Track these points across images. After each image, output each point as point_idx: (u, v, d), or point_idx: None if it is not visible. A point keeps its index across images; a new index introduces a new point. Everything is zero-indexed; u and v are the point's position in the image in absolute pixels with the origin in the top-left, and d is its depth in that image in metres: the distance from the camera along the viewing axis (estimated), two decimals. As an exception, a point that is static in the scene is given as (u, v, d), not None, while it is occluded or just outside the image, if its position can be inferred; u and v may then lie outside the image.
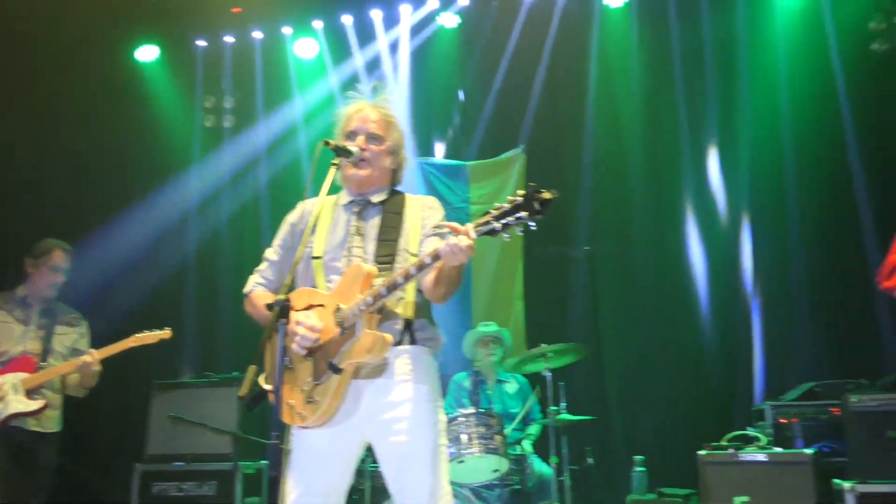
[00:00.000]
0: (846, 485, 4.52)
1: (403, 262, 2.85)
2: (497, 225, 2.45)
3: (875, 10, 6.40)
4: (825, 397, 5.29)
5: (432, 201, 3.10)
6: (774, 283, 6.54)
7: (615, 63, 7.14)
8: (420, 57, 7.51)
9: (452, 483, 4.74)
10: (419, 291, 2.89)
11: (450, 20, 7.28)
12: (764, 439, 5.09)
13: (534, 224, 2.43)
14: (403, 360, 2.83)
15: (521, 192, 2.43)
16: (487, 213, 2.48)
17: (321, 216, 2.97)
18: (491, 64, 7.33)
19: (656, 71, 7.05)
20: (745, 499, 4.69)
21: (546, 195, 2.41)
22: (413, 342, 2.87)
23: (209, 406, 5.72)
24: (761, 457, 4.88)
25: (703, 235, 6.79)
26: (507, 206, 2.44)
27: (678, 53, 6.97)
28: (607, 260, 6.93)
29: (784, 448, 5.00)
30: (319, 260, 2.92)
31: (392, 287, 2.64)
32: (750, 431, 5.23)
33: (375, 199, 3.05)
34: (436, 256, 2.57)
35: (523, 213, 2.41)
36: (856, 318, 6.16)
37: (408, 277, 2.64)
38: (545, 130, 7.24)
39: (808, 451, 4.84)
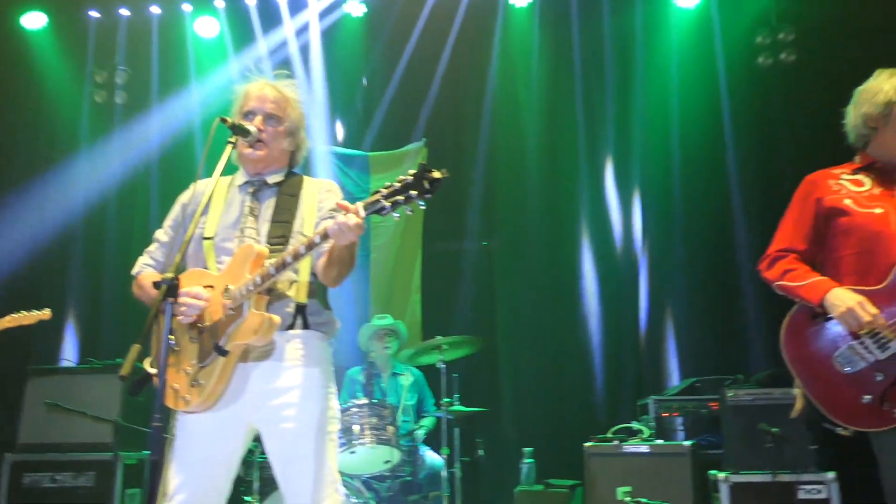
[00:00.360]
0: (721, 475, 4.72)
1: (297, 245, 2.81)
2: (386, 203, 2.42)
3: (762, 25, 6.70)
4: (705, 392, 5.52)
5: (331, 185, 3.05)
6: (661, 283, 6.77)
7: (517, 61, 7.21)
8: (325, 44, 7.37)
9: (343, 474, 4.70)
10: (313, 275, 2.83)
11: (356, 8, 7.18)
12: (647, 432, 5.27)
13: (423, 203, 2.42)
14: (295, 345, 2.77)
15: (412, 171, 2.42)
16: (378, 191, 2.45)
17: (214, 196, 2.87)
18: (394, 55, 7.27)
19: (556, 71, 7.16)
20: (628, 489, 4.84)
21: (436, 174, 2.40)
22: (306, 326, 2.80)
23: (90, 393, 5.43)
24: (643, 448, 5.04)
25: (596, 234, 6.95)
26: (396, 185, 2.42)
27: (578, 55, 7.09)
28: (504, 255, 7.01)
29: (665, 440, 5.19)
30: (211, 241, 2.83)
31: (281, 266, 2.58)
32: (634, 425, 5.40)
33: (272, 180, 2.97)
34: (325, 235, 2.52)
35: (413, 192, 2.39)
36: (736, 316, 6.46)
37: (297, 256, 2.58)
38: (446, 124, 7.26)
39: (687, 443, 5.04)
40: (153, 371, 2.59)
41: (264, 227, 2.85)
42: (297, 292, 2.80)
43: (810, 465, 4.64)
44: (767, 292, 5.87)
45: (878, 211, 2.87)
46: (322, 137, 7.20)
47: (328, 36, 7.37)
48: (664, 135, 6.89)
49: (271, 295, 2.72)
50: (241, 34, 7.34)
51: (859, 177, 2.99)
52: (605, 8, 7.09)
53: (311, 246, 2.56)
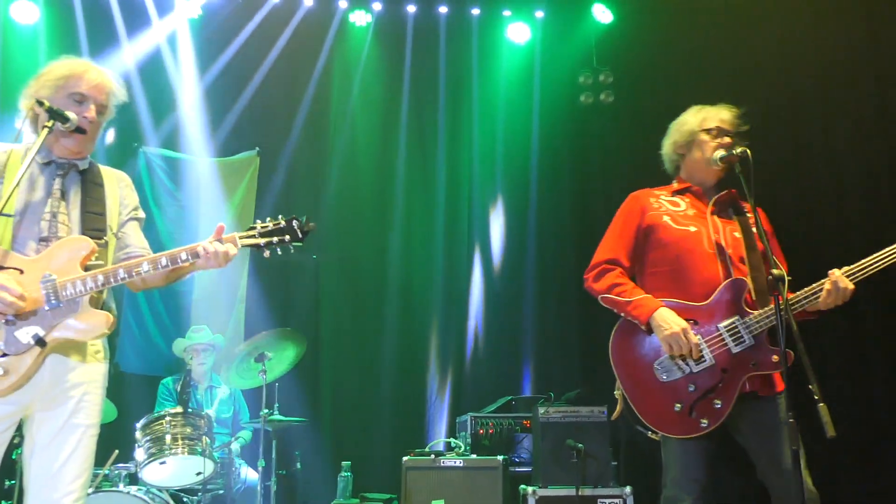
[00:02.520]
0: (529, 489, 4.88)
1: (110, 240, 2.73)
2: (261, 241, 2.54)
3: (584, 66, 7.11)
4: (520, 409, 5.70)
5: (125, 177, 2.95)
6: (487, 303, 6.98)
7: (353, 78, 7.21)
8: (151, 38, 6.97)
9: (150, 486, 4.50)
10: None
11: (190, 9, 6.89)
12: (463, 447, 5.38)
13: (293, 249, 2.58)
14: (93, 342, 2.67)
15: (286, 218, 2.57)
16: (253, 227, 2.56)
17: (13, 170, 2.64)
18: (231, 62, 7.06)
19: (391, 92, 7.23)
20: (441, 501, 4.91)
21: (311, 226, 2.58)
22: None
23: None
24: (458, 462, 5.12)
25: (424, 253, 7.04)
26: (271, 226, 2.54)
27: (411, 77, 7.22)
28: (332, 268, 6.97)
29: (479, 455, 5.31)
30: (10, 218, 2.61)
31: (131, 273, 2.54)
32: (451, 440, 5.50)
33: (81, 166, 2.80)
34: (194, 254, 2.52)
35: (287, 237, 2.53)
36: (558, 340, 6.78)
37: (156, 267, 2.55)
38: (280, 134, 7.11)
39: (499, 457, 5.17)
40: None
41: (75, 215, 2.70)
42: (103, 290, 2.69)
43: (610, 479, 4.89)
44: (579, 317, 6.19)
45: (692, 229, 3.08)
46: (150, 139, 6.85)
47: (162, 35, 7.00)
48: (491, 160, 7.16)
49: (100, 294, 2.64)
50: (65, 24, 6.82)
51: (676, 198, 3.22)
52: (441, 36, 7.25)
53: (174, 261, 2.55)
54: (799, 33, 6.17)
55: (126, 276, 2.53)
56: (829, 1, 6.08)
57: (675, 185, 3.27)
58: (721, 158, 3.07)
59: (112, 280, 2.53)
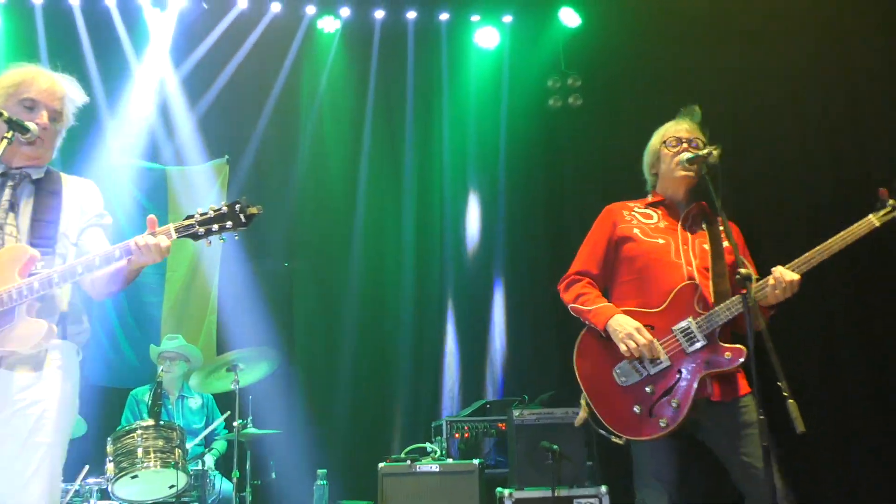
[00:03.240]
0: (506, 492, 4.88)
1: (63, 248, 2.65)
2: (200, 230, 2.45)
3: (552, 70, 7.13)
4: (495, 413, 5.70)
5: (91, 185, 2.89)
6: (461, 311, 6.98)
7: (323, 86, 7.17)
8: (118, 48, 6.90)
9: (122, 500, 4.43)
10: (76, 282, 2.66)
11: (157, 16, 6.81)
12: (439, 451, 5.36)
13: (236, 235, 2.49)
14: (54, 355, 2.59)
15: (228, 202, 2.48)
16: (191, 216, 2.46)
17: None
18: (196, 69, 6.99)
19: (359, 98, 7.21)
20: (419, 506, 4.89)
21: (253, 210, 2.48)
22: (64, 336, 2.64)
23: None
24: (434, 467, 5.10)
25: (399, 262, 7.02)
26: (211, 213, 2.45)
27: (378, 83, 7.21)
28: (305, 276, 6.93)
29: (455, 459, 5.30)
30: None
31: (68, 276, 2.46)
32: (427, 445, 5.48)
33: (35, 175, 2.75)
34: (126, 251, 2.44)
35: (228, 223, 2.45)
36: (532, 342, 6.80)
37: (90, 268, 2.46)
38: (248, 141, 7.04)
39: (476, 461, 5.17)
40: None
41: (24, 224, 2.64)
42: (62, 299, 2.63)
43: (585, 480, 4.91)
44: (553, 320, 6.22)
45: (661, 241, 3.14)
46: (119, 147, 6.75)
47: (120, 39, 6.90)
48: (461, 165, 7.18)
49: (42, 302, 2.54)
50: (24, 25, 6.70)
51: (649, 211, 3.28)
52: (409, 41, 7.23)
53: (109, 259, 2.47)
54: (765, 35, 6.24)
55: (61, 279, 2.46)
56: (795, 6, 6.14)
57: (650, 199, 3.34)
58: (689, 160, 3.10)
59: (48, 285, 2.45)
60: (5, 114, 2.58)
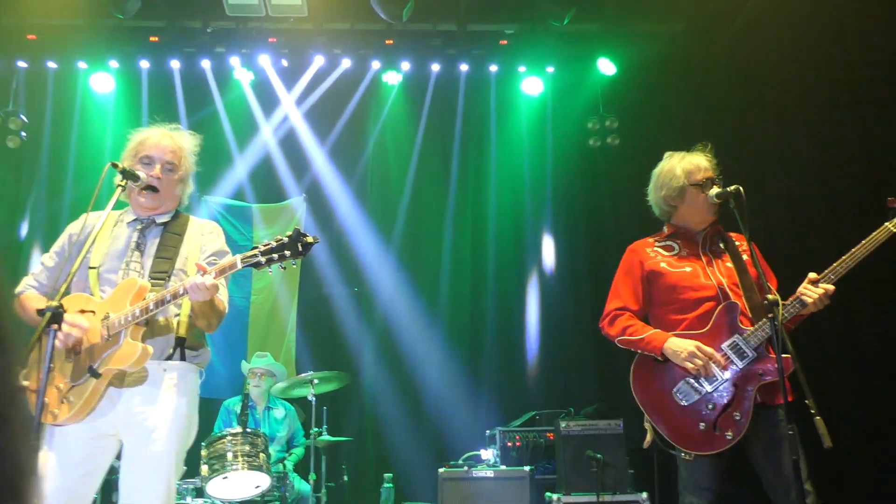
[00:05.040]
0: (554, 496, 4.84)
1: (178, 281, 2.72)
2: (262, 259, 2.46)
3: (591, 113, 7.15)
4: (544, 424, 5.65)
5: (214, 226, 2.98)
6: (507, 332, 6.95)
7: (391, 129, 7.32)
8: (209, 105, 7.20)
9: (215, 499, 4.52)
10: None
11: (245, 75, 7.07)
12: (493, 459, 5.34)
13: (295, 262, 2.49)
14: (171, 375, 2.68)
15: (289, 233, 2.48)
16: (256, 247, 2.50)
17: (103, 229, 2.75)
18: (273, 119, 7.21)
19: (426, 142, 7.32)
20: (474, 509, 4.87)
21: (309, 239, 2.48)
22: (182, 358, 2.72)
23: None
24: (489, 473, 5.10)
25: (454, 285, 7.06)
26: (273, 243, 2.47)
27: (437, 129, 7.32)
28: (371, 299, 7.01)
29: (508, 466, 5.27)
30: (95, 270, 2.71)
31: (160, 303, 2.53)
32: (482, 453, 5.47)
33: (160, 220, 2.88)
34: (183, 289, 2.51)
35: (287, 252, 2.46)
36: (577, 361, 6.74)
37: (160, 303, 2.53)
38: (326, 181, 7.23)
39: (527, 468, 5.14)
40: (25, 383, 2.45)
41: (148, 262, 2.75)
42: (178, 327, 2.71)
43: (627, 486, 4.84)
44: (595, 340, 6.12)
45: (688, 269, 3.09)
46: (209, 187, 7.00)
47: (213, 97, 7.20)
48: (511, 199, 7.20)
49: (153, 327, 2.64)
50: (132, 90, 7.04)
51: (669, 243, 3.22)
52: (460, 91, 7.30)
53: (175, 296, 2.53)
54: (788, 72, 6.11)
55: (154, 306, 2.52)
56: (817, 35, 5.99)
57: (666, 231, 3.27)
58: (717, 195, 3.06)
59: (144, 312, 2.52)
60: (120, 164, 2.71)
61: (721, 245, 3.16)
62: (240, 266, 2.49)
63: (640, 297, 3.17)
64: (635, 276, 3.18)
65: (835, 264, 2.90)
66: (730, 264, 3.09)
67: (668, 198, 3.20)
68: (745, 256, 3.05)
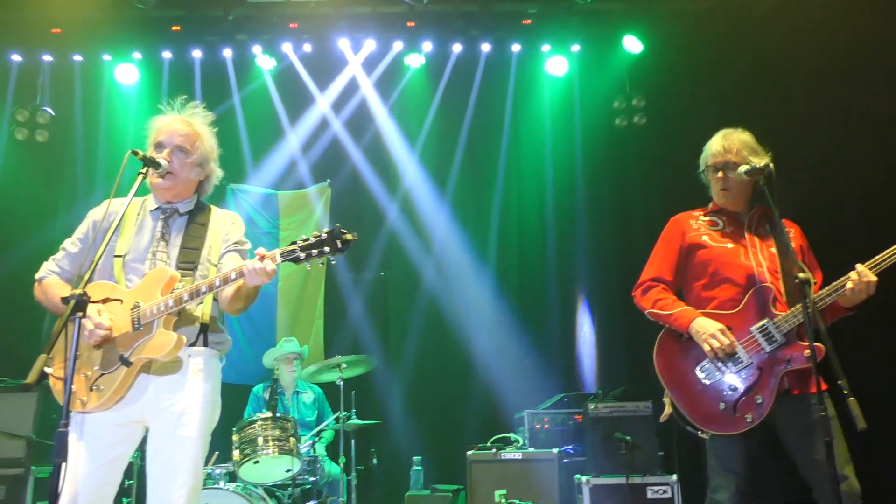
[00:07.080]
0: (583, 479, 4.83)
1: (205, 271, 2.75)
2: (301, 255, 2.47)
3: (618, 92, 7.05)
4: (571, 406, 5.64)
5: (235, 217, 2.99)
6: (532, 315, 6.90)
7: (410, 113, 7.29)
8: (232, 94, 7.19)
9: (247, 483, 4.58)
10: (216, 300, 2.79)
11: (267, 63, 7.07)
12: (521, 441, 5.34)
13: (334, 259, 2.50)
14: (196, 361, 2.71)
15: (327, 229, 2.48)
16: (294, 242, 2.49)
17: (127, 217, 2.77)
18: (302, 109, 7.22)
19: (445, 124, 7.27)
20: (503, 491, 4.88)
21: (348, 236, 2.48)
22: (206, 344, 2.75)
23: (3, 411, 5.09)
24: (518, 455, 5.11)
25: (479, 269, 7.01)
26: (312, 239, 2.47)
27: (470, 113, 7.25)
28: (397, 284, 7.02)
29: (537, 448, 5.27)
30: (121, 258, 2.73)
31: (195, 294, 2.56)
32: (511, 435, 5.47)
33: (183, 208, 2.89)
34: (240, 273, 2.52)
35: (326, 248, 2.46)
36: (605, 342, 6.71)
37: (211, 288, 2.56)
38: (349, 167, 7.22)
39: (555, 450, 5.13)
40: (48, 370, 2.49)
41: (174, 252, 2.77)
42: (203, 314, 2.74)
43: (657, 468, 4.81)
44: (623, 321, 6.08)
45: (730, 245, 3.05)
46: (235, 175, 7.04)
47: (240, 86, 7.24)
48: (539, 180, 7.13)
49: (182, 315, 2.67)
50: (155, 82, 7.09)
51: (713, 218, 3.17)
52: (478, 71, 7.20)
53: (226, 281, 2.54)
54: (818, 50, 5.96)
55: (188, 297, 2.55)
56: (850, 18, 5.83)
57: (711, 207, 3.23)
58: (746, 172, 2.99)
59: (180, 302, 2.55)
60: (140, 152, 2.71)
61: (767, 227, 3.10)
62: (279, 261, 2.50)
63: (674, 269, 3.14)
64: (674, 246, 3.15)
65: (878, 256, 2.82)
66: (773, 249, 3.03)
67: (703, 174, 3.20)
68: (792, 244, 2.96)
